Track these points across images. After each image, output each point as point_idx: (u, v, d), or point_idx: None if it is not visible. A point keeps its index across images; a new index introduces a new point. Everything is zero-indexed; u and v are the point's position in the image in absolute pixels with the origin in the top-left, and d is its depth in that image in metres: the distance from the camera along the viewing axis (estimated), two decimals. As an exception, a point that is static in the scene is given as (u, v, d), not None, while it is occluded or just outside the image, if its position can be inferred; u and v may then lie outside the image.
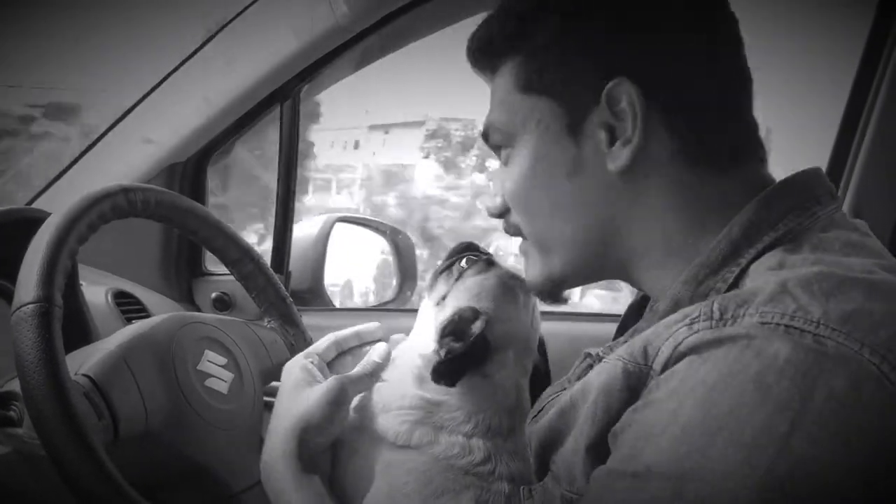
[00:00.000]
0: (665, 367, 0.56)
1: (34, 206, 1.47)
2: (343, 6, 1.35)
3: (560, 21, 0.70)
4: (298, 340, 1.14)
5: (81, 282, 1.15)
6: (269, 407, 1.09)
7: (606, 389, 0.60)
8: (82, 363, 0.83)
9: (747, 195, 0.66)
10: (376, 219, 2.12)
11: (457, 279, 0.91)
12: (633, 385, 0.58)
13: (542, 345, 0.93)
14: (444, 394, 0.82)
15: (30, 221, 0.94)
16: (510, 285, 0.88)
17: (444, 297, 0.90)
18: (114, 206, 0.90)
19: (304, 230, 1.76)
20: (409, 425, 0.81)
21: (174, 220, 1.02)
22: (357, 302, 2.95)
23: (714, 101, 0.68)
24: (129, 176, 1.49)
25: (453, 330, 0.82)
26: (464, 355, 0.80)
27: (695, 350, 0.55)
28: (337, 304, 1.99)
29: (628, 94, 0.66)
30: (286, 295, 1.15)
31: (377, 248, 2.13)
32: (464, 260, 0.92)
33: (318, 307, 1.73)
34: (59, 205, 0.87)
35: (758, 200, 0.66)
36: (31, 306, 0.75)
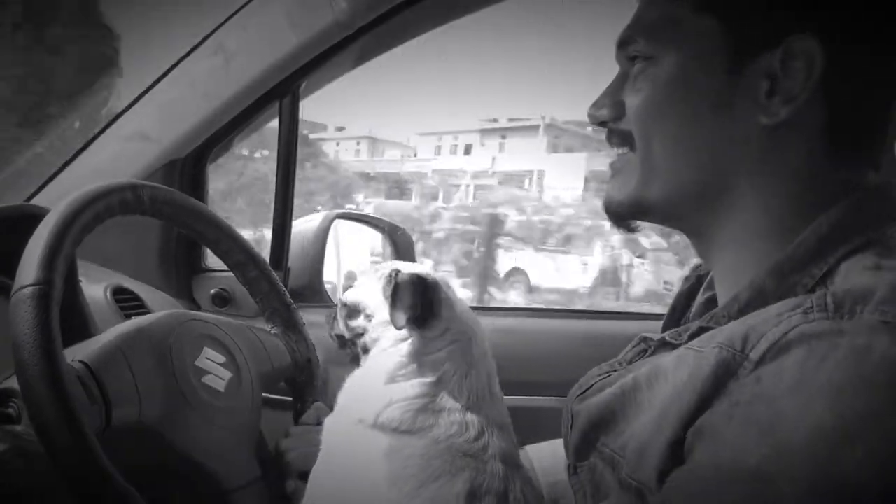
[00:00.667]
0: (765, 355, 0.55)
1: (33, 202, 1.47)
2: (342, 2, 1.34)
3: None
4: (300, 346, 1.14)
5: (81, 277, 1.15)
6: (269, 404, 1.09)
7: (693, 379, 0.59)
8: (79, 351, 0.83)
9: (843, 193, 0.65)
10: (375, 215, 2.11)
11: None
12: (721, 373, 0.57)
13: None
14: (436, 362, 0.90)
15: (28, 217, 0.94)
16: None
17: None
18: (121, 200, 0.90)
19: (302, 226, 1.75)
20: (412, 413, 0.87)
21: (180, 220, 1.02)
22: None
23: (886, 93, 0.66)
24: (127, 172, 1.49)
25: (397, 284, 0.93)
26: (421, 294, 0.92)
27: (808, 339, 0.54)
28: (336, 300, 1.98)
29: (809, 54, 0.63)
30: (290, 301, 1.15)
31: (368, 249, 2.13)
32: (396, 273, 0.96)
33: (317, 304, 1.73)
34: (57, 201, 0.86)
35: (851, 201, 0.65)
36: (30, 288, 0.75)
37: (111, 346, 0.85)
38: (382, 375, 0.93)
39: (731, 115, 0.67)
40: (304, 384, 1.15)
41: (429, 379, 0.90)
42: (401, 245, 2.06)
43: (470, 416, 0.87)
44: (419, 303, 0.93)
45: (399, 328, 0.93)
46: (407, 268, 0.99)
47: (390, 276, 0.95)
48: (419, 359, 0.92)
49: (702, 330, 0.67)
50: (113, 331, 0.89)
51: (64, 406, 0.72)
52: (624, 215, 0.76)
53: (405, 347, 0.94)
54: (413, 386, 0.90)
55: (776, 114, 0.65)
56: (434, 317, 0.93)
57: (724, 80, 0.67)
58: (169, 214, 0.99)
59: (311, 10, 1.37)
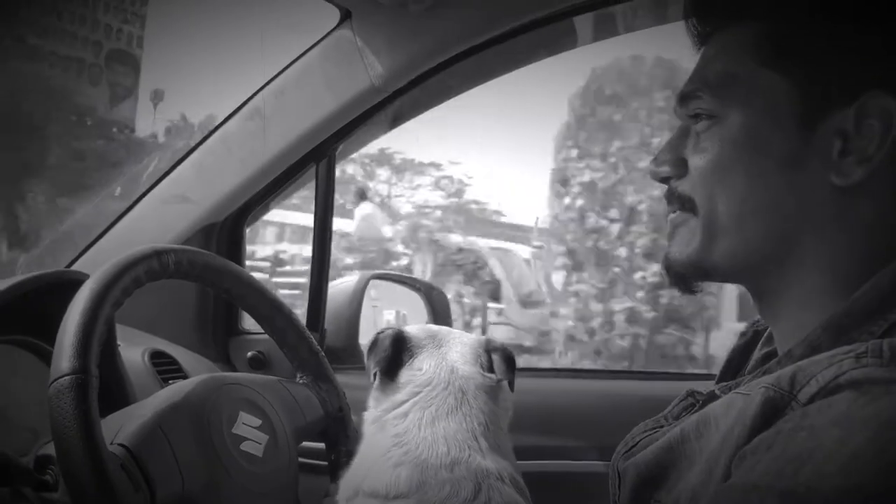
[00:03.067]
0: (814, 397, 0.54)
1: (74, 267, 1.49)
2: (378, 67, 1.37)
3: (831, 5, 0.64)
4: (331, 395, 1.13)
5: (119, 342, 1.16)
6: (303, 468, 1.07)
7: (742, 418, 0.57)
8: (118, 430, 0.82)
9: None
10: (411, 275, 2.11)
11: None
12: (769, 413, 0.56)
13: None
14: (399, 414, 0.90)
15: (69, 283, 0.95)
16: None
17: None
18: (147, 269, 0.90)
19: (338, 288, 1.75)
20: (391, 470, 0.85)
21: (207, 279, 1.03)
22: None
23: None
24: (165, 237, 1.50)
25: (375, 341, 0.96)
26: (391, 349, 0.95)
27: (859, 384, 0.53)
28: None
29: (885, 112, 0.61)
30: (318, 349, 1.15)
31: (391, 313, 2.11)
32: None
33: (353, 365, 1.71)
34: (97, 266, 0.87)
35: None
36: (67, 378, 0.75)
37: (150, 424, 0.85)
38: (365, 438, 0.94)
39: (802, 175, 0.65)
40: (338, 435, 1.14)
41: (394, 431, 0.89)
42: (437, 305, 2.05)
43: (459, 472, 0.84)
44: (387, 356, 0.94)
45: (371, 379, 0.96)
46: (416, 328, 1.01)
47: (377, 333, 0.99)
48: (385, 413, 0.92)
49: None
50: (149, 405, 0.89)
51: (109, 500, 0.73)
52: (686, 277, 0.74)
53: (373, 400, 0.96)
54: (383, 442, 0.89)
55: (849, 175, 0.63)
56: (397, 367, 0.94)
57: (794, 138, 0.65)
58: (196, 275, 1.00)
59: (348, 75, 1.40)
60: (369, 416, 0.96)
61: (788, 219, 0.67)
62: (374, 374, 0.96)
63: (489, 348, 0.98)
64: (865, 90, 0.62)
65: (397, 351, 0.96)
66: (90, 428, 0.73)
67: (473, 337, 1.01)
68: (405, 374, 0.94)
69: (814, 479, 0.49)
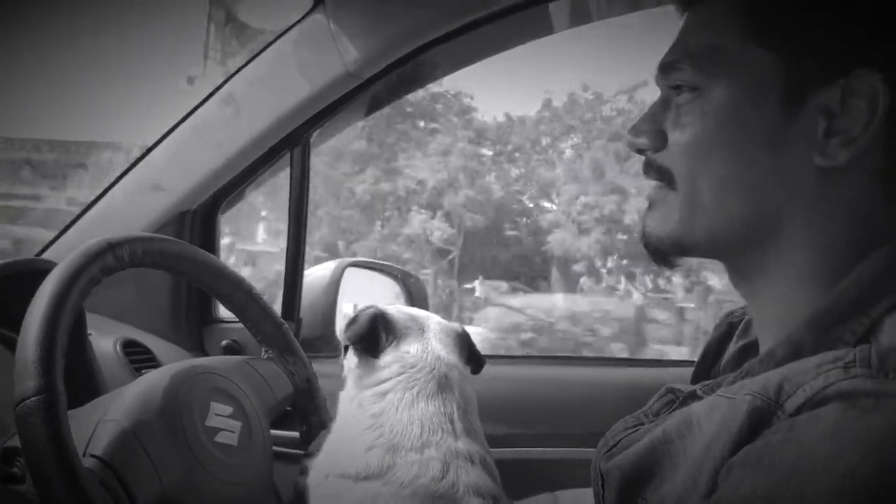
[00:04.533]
0: (801, 408, 0.53)
1: (45, 255, 1.47)
2: (352, 53, 1.36)
3: None
4: (298, 367, 1.14)
5: (90, 331, 1.14)
6: (276, 456, 1.07)
7: (727, 425, 0.56)
8: (91, 438, 0.81)
9: (887, 240, 0.62)
10: (387, 263, 2.10)
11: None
12: (755, 422, 0.54)
13: None
14: (378, 393, 0.92)
15: (37, 272, 0.93)
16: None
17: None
18: (103, 266, 0.87)
19: (314, 276, 1.74)
20: (363, 453, 0.87)
21: (164, 265, 1.01)
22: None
23: None
24: (138, 225, 1.49)
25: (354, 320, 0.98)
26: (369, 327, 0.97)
27: (848, 396, 0.51)
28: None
29: (872, 92, 0.60)
30: (282, 322, 1.15)
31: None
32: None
33: (329, 354, 1.71)
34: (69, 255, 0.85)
35: (892, 249, 0.61)
36: (34, 400, 0.73)
37: (122, 430, 0.83)
38: (339, 419, 0.96)
39: (785, 155, 0.64)
40: (308, 407, 1.15)
41: (372, 410, 0.91)
42: (414, 292, 2.04)
43: (428, 453, 0.86)
44: (367, 333, 0.97)
45: (342, 354, 0.98)
46: (395, 309, 1.03)
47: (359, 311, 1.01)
48: (364, 390, 0.94)
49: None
50: (119, 407, 0.86)
51: None
52: (664, 252, 0.72)
53: (352, 378, 0.98)
54: (358, 422, 0.91)
55: (834, 156, 0.61)
56: (379, 347, 0.96)
57: (778, 116, 0.63)
58: (153, 262, 0.98)
59: (322, 61, 1.38)
60: (345, 395, 0.98)
61: (771, 199, 0.65)
62: (346, 349, 0.98)
63: (468, 341, 1.04)
64: (852, 69, 0.60)
65: (375, 329, 0.97)
66: (63, 450, 0.72)
67: (453, 326, 1.04)
68: (391, 355, 0.96)
69: (804, 496, 0.49)
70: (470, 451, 0.88)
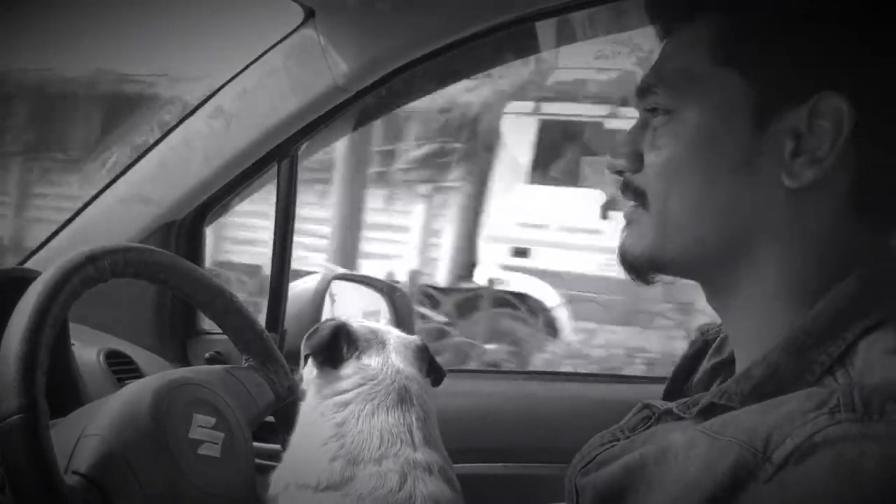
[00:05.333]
0: (789, 457, 0.52)
1: (27, 265, 1.46)
2: (342, 67, 1.36)
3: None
4: (280, 376, 1.13)
5: (73, 342, 1.14)
6: (258, 469, 1.06)
7: (710, 470, 0.55)
8: (73, 452, 0.80)
9: (868, 258, 0.63)
10: (372, 277, 2.11)
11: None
12: (740, 474, 0.53)
13: None
14: (339, 403, 0.94)
15: (19, 281, 0.93)
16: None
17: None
18: (84, 278, 0.87)
19: (299, 288, 1.74)
20: (326, 463, 0.88)
21: (145, 275, 1.01)
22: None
23: None
24: (123, 235, 1.48)
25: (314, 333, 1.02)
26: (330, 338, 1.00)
27: (834, 444, 0.51)
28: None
29: (837, 113, 0.60)
30: (262, 330, 1.15)
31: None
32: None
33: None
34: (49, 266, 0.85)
35: (867, 271, 0.62)
36: (16, 418, 0.72)
37: (105, 445, 0.82)
38: (300, 429, 0.98)
39: (754, 176, 0.64)
40: (290, 414, 1.13)
41: (333, 420, 0.92)
42: (399, 306, 2.04)
43: (387, 465, 0.87)
44: (328, 344, 0.99)
45: (301, 364, 1.01)
46: (356, 322, 1.06)
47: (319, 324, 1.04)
48: (325, 400, 0.96)
49: (713, 406, 0.64)
50: (101, 421, 0.86)
51: None
52: (639, 268, 0.74)
53: (313, 389, 0.99)
54: (321, 431, 0.92)
55: (800, 176, 0.62)
56: (340, 359, 0.99)
57: (746, 138, 0.64)
58: (135, 273, 0.98)
59: (311, 74, 1.39)
60: (306, 405, 1.00)
61: (742, 220, 0.66)
62: (306, 358, 1.01)
63: (427, 354, 1.07)
64: (818, 90, 0.61)
65: (337, 340, 1.00)
66: (46, 469, 0.72)
67: (412, 339, 1.07)
68: (352, 366, 0.98)
69: None
70: (429, 461, 0.90)
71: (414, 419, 0.94)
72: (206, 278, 1.09)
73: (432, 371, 1.06)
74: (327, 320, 1.04)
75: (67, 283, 0.84)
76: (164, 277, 1.04)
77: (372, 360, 0.99)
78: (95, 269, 0.90)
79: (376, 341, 1.02)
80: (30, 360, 0.76)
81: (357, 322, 1.06)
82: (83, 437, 0.83)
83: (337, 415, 0.93)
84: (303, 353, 1.02)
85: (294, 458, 0.94)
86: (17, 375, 0.74)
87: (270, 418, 1.15)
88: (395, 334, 1.06)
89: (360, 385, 0.95)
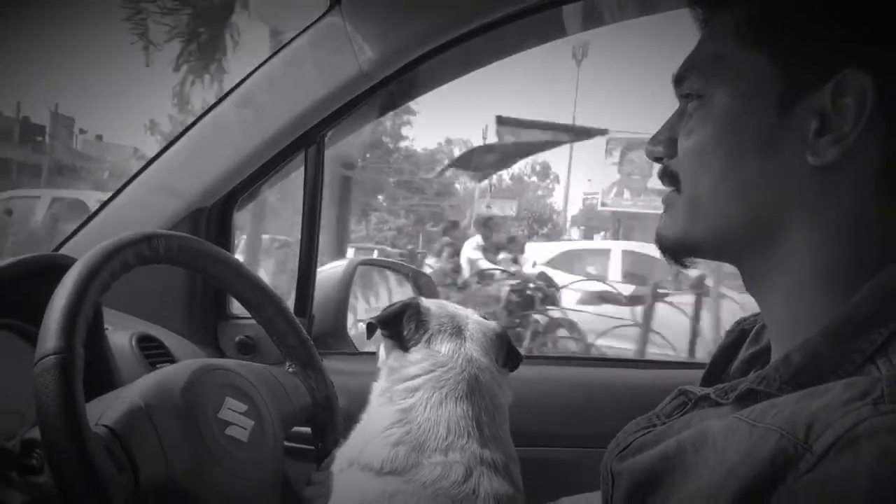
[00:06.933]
0: (831, 447, 0.51)
1: (61, 251, 1.49)
2: (368, 54, 1.37)
3: None
4: (319, 384, 1.14)
5: (106, 326, 1.16)
6: (290, 453, 1.08)
7: (749, 458, 0.55)
8: (103, 412, 0.83)
9: (887, 241, 0.62)
10: (398, 261, 2.12)
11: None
12: (780, 462, 0.53)
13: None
14: (408, 389, 0.92)
15: (55, 267, 0.95)
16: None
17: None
18: (137, 253, 0.91)
19: (327, 273, 1.76)
20: (390, 447, 0.87)
21: (196, 266, 1.03)
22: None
23: None
24: (154, 221, 1.51)
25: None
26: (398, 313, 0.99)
27: (878, 435, 0.50)
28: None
29: (860, 91, 0.61)
30: (307, 338, 1.15)
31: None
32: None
33: (341, 351, 1.72)
34: (85, 251, 0.88)
35: None
36: (52, 357, 0.75)
37: (135, 406, 0.85)
38: (369, 410, 0.96)
39: (780, 155, 0.65)
40: (325, 423, 1.15)
41: (401, 405, 0.91)
42: (425, 291, 2.06)
43: (453, 456, 0.86)
44: (393, 318, 0.97)
45: (368, 338, 0.99)
46: (435, 304, 1.02)
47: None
48: (395, 384, 0.94)
49: (751, 392, 0.63)
50: (135, 388, 0.89)
51: (92, 480, 0.73)
52: (675, 252, 0.75)
53: (385, 371, 0.97)
54: (387, 415, 0.91)
55: (824, 154, 0.62)
56: (413, 341, 0.96)
57: (773, 118, 0.65)
58: (185, 261, 1.00)
59: (337, 61, 1.40)
60: (378, 387, 0.98)
61: (767, 201, 0.67)
62: (370, 329, 0.99)
63: (506, 340, 1.02)
64: (841, 68, 0.61)
65: (401, 316, 0.98)
66: (73, 406, 0.74)
67: (490, 325, 1.03)
68: (422, 351, 0.96)
69: None
70: (495, 459, 0.88)
71: (483, 413, 0.92)
72: (258, 281, 1.11)
73: (510, 358, 1.02)
74: (409, 299, 1.02)
75: (120, 253, 0.88)
76: (217, 273, 1.06)
77: (443, 347, 0.96)
78: (150, 247, 0.93)
79: (451, 325, 0.99)
80: (74, 310, 0.79)
81: (436, 303, 1.03)
82: (116, 399, 0.86)
83: (405, 401, 0.91)
84: (370, 331, 1.01)
85: (360, 439, 0.93)
86: (60, 320, 0.77)
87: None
88: (473, 319, 1.02)
89: (430, 371, 0.93)
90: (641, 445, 0.71)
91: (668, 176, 0.74)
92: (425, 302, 1.02)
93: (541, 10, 1.32)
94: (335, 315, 1.73)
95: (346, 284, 1.77)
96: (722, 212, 0.69)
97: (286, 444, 1.05)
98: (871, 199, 0.63)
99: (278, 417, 1.02)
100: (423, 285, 2.09)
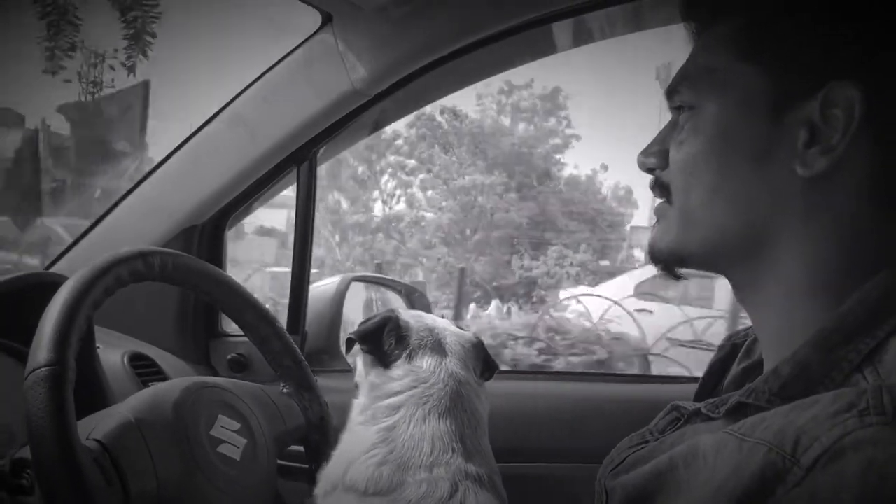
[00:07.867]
0: (818, 460, 0.51)
1: (53, 270, 1.48)
2: (360, 71, 1.37)
3: None
4: (314, 404, 1.13)
5: (98, 344, 1.15)
6: (284, 472, 1.07)
7: (738, 473, 0.55)
8: (94, 427, 0.82)
9: (889, 255, 0.62)
10: (391, 278, 2.12)
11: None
12: (769, 477, 0.53)
13: None
14: (391, 406, 0.91)
15: (47, 286, 0.94)
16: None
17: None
18: (131, 270, 0.90)
19: (319, 290, 1.75)
20: (374, 468, 0.86)
21: (191, 284, 1.03)
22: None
23: None
24: (145, 239, 1.50)
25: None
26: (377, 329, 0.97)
27: (864, 447, 0.50)
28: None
29: (848, 102, 0.61)
30: (302, 359, 1.15)
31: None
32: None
33: (334, 368, 1.72)
34: (76, 269, 0.87)
35: None
36: (44, 369, 0.75)
37: (126, 421, 0.84)
38: (350, 428, 0.94)
39: (770, 166, 0.65)
40: (319, 444, 1.14)
41: (384, 424, 0.90)
42: (418, 306, 2.05)
43: (438, 472, 0.85)
44: (372, 333, 0.96)
45: (345, 353, 0.97)
46: (413, 316, 1.01)
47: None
48: (376, 401, 0.93)
49: (741, 406, 0.64)
50: (127, 404, 0.88)
51: (80, 492, 0.72)
52: (665, 264, 0.75)
53: (365, 388, 0.96)
54: (369, 435, 0.89)
55: (813, 165, 0.63)
56: (394, 357, 0.95)
57: (763, 129, 0.65)
58: (180, 279, 1.00)
59: (329, 78, 1.40)
60: (358, 404, 0.97)
61: (758, 212, 0.67)
62: (349, 343, 0.98)
63: (482, 351, 1.02)
64: (830, 80, 0.62)
65: (381, 331, 0.97)
66: (64, 418, 0.73)
67: (468, 336, 1.03)
68: (403, 367, 0.95)
69: None
70: (479, 473, 0.87)
71: (465, 427, 0.91)
72: (253, 300, 1.10)
73: (486, 369, 1.02)
74: (386, 312, 1.01)
75: (114, 269, 0.88)
76: (212, 291, 1.06)
77: (424, 362, 0.95)
78: (145, 264, 0.92)
79: (431, 339, 0.98)
80: (67, 323, 0.79)
81: (413, 315, 1.03)
82: (107, 414, 0.86)
83: (388, 419, 0.90)
84: (348, 345, 1.00)
85: (343, 460, 0.91)
86: (52, 333, 0.77)
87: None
88: (451, 331, 1.01)
89: (412, 388, 0.92)
90: (635, 462, 0.71)
91: (660, 187, 0.75)
92: (404, 315, 1.01)
93: (531, 27, 1.33)
94: (328, 332, 1.72)
95: (339, 301, 1.77)
96: (713, 222, 0.70)
97: (280, 462, 1.04)
98: (862, 209, 0.64)
99: (271, 437, 1.01)
100: (415, 301, 2.08)
